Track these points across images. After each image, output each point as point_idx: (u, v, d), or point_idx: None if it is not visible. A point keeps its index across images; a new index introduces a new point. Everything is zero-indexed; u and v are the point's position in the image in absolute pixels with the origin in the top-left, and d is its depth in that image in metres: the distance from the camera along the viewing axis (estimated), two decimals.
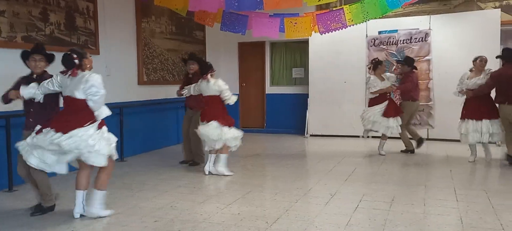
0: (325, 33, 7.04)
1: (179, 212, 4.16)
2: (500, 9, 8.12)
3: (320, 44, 9.15)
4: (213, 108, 5.71)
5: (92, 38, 6.48)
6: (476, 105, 6.22)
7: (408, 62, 7.23)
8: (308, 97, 9.56)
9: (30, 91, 3.98)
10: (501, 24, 7.97)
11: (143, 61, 7.66)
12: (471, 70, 6.39)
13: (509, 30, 8.19)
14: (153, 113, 8.01)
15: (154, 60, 7.97)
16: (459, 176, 5.64)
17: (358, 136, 8.81)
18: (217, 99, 5.73)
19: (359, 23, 6.87)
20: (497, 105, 6.23)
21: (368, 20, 6.93)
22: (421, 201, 4.43)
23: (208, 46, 9.83)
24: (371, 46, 8.80)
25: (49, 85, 3.98)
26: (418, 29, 8.49)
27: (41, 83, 4.01)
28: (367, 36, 8.82)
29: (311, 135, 9.50)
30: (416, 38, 8.48)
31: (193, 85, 6.04)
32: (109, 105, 4.05)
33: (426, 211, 4.10)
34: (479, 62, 6.28)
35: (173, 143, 8.48)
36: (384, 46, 8.71)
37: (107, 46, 6.78)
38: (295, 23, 7.01)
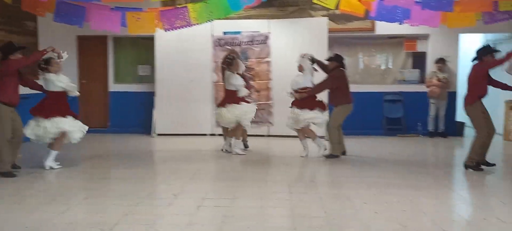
0: (169, 30, 6.93)
1: None
2: (327, 17, 9.09)
3: (167, 42, 9.03)
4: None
5: None
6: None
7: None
8: (155, 95, 9.37)
9: None
10: (328, 31, 8.93)
11: None
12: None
13: (334, 37, 9.22)
14: None
15: None
16: (293, 170, 6.15)
17: (205, 134, 8.97)
18: None
19: (203, 22, 6.93)
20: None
21: (212, 20, 7.06)
22: (259, 195, 4.68)
23: (41, 39, 8.87)
24: (216, 46, 9.00)
25: None
26: (259, 32, 8.98)
27: None
28: (212, 36, 9.00)
29: (158, 134, 9.32)
30: (257, 40, 8.94)
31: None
32: None
33: (262, 204, 4.36)
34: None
35: None
36: (229, 47, 8.98)
37: None
38: (138, 18, 6.75)
